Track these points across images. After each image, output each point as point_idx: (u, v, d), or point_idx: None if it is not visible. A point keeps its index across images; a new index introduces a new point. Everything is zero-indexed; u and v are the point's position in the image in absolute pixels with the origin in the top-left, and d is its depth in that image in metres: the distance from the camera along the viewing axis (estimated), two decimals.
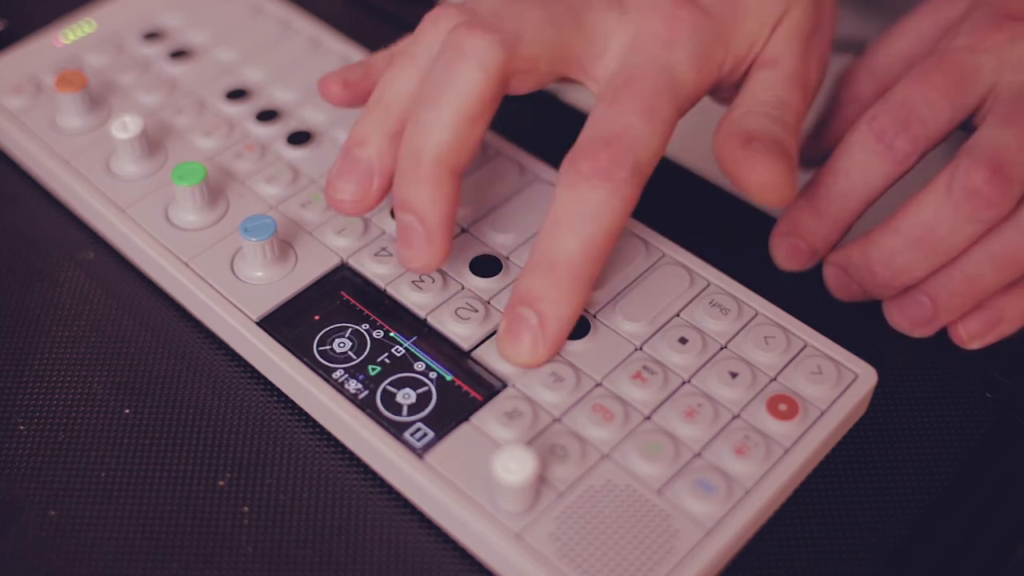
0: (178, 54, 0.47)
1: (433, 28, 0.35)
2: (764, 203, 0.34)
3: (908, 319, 0.38)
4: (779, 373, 0.35)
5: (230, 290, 0.37)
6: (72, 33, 0.48)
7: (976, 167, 0.34)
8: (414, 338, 0.36)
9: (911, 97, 0.36)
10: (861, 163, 0.36)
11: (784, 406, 0.34)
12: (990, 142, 0.34)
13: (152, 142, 0.42)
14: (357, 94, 0.39)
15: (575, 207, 0.33)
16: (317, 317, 0.37)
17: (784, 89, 0.36)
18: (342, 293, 0.37)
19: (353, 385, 0.35)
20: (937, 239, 0.35)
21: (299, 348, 0.36)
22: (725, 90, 0.38)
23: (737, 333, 0.36)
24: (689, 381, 0.35)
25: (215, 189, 0.40)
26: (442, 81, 0.34)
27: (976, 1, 0.38)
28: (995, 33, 0.36)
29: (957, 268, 0.36)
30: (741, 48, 0.37)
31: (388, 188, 0.36)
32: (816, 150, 0.42)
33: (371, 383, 0.35)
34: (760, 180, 0.34)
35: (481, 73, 0.33)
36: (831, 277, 0.39)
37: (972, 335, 0.37)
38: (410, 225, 0.34)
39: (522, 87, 0.35)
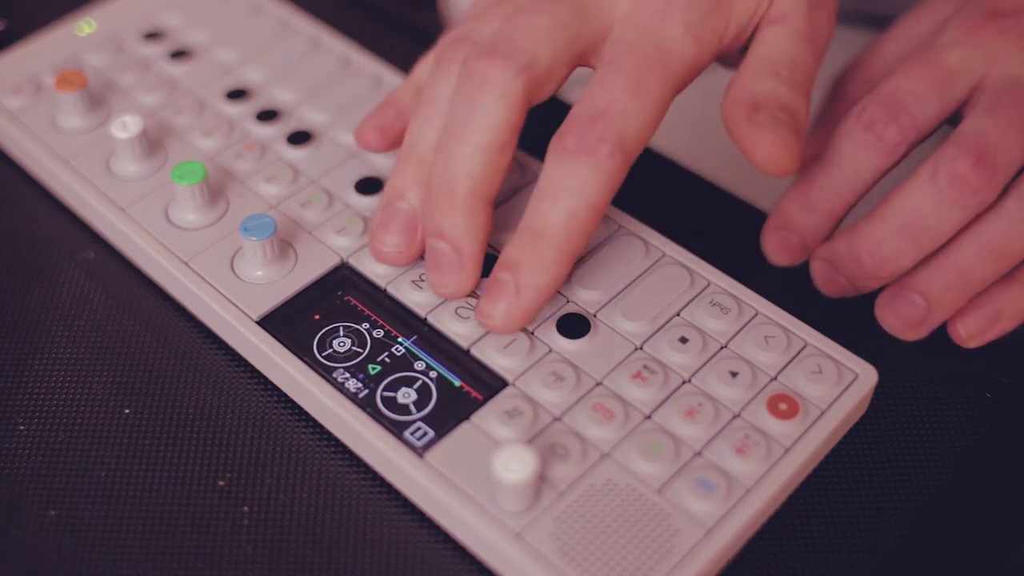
0: (178, 54, 0.47)
1: (448, 68, 0.36)
2: (769, 174, 0.34)
3: (902, 319, 0.38)
4: (779, 372, 0.35)
5: (230, 289, 0.37)
6: (72, 33, 0.48)
7: (960, 155, 0.34)
8: (414, 337, 0.36)
9: (898, 89, 0.36)
10: (851, 154, 0.37)
11: (784, 405, 0.34)
12: (974, 130, 0.35)
13: (152, 142, 0.42)
14: (394, 138, 0.39)
15: (560, 181, 0.33)
16: (317, 316, 0.37)
17: (794, 46, 0.36)
18: (342, 292, 0.37)
19: (353, 384, 0.35)
20: (923, 227, 0.35)
21: (299, 347, 0.36)
22: (732, 56, 0.38)
23: (737, 333, 0.36)
24: (689, 380, 0.35)
25: (215, 189, 0.41)
26: (467, 114, 0.34)
27: (965, 1, 0.38)
28: (982, 28, 0.37)
29: (949, 262, 0.36)
30: (744, 15, 0.36)
31: None
32: (812, 153, 0.42)
33: (371, 382, 0.35)
34: (764, 153, 0.34)
35: (504, 104, 0.34)
36: (818, 272, 0.39)
37: (971, 333, 0.38)
38: (442, 252, 0.35)
39: (545, 96, 0.35)
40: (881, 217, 0.36)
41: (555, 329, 0.36)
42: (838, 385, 0.35)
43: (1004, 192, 0.35)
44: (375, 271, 0.38)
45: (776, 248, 0.40)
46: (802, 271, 0.40)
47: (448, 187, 0.34)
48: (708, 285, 0.37)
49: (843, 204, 0.38)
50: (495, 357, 0.35)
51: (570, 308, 0.37)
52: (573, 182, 0.33)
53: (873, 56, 0.42)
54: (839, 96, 0.43)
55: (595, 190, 0.33)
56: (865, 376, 0.35)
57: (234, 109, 0.44)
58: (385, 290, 0.37)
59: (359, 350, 0.36)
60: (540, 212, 0.34)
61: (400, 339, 0.36)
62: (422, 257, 0.38)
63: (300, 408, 0.36)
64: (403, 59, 0.48)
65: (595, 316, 0.36)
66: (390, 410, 0.34)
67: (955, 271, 0.36)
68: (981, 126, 0.35)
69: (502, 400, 0.34)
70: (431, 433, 0.34)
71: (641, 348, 0.36)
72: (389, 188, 0.37)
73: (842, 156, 0.37)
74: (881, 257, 0.36)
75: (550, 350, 0.35)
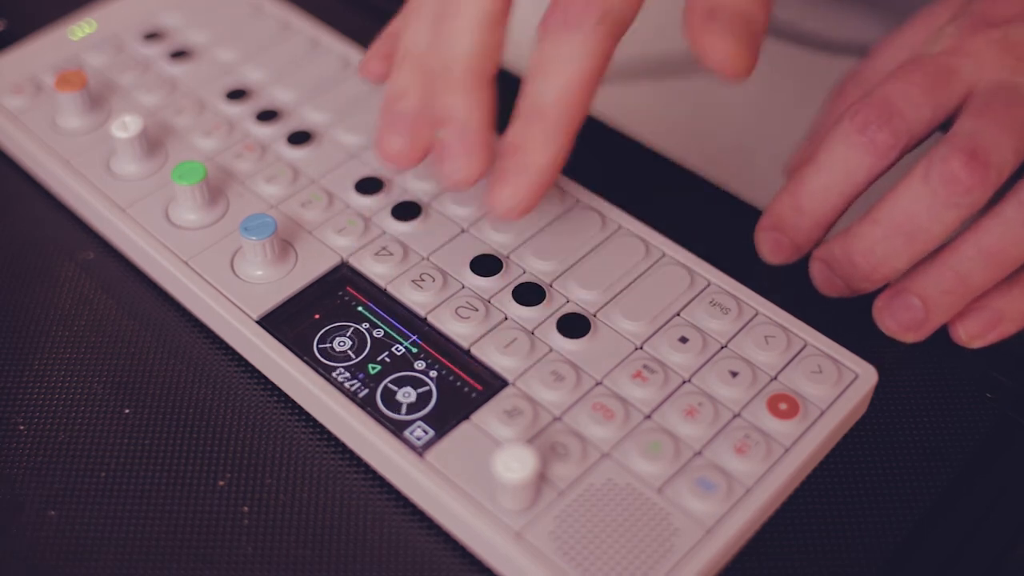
0: (178, 54, 0.47)
1: None
2: (725, 77, 0.33)
3: (900, 323, 0.38)
4: (779, 372, 0.35)
5: (230, 289, 0.37)
6: (72, 33, 0.48)
7: (952, 153, 0.34)
8: (414, 337, 0.36)
9: (892, 93, 0.36)
10: (842, 157, 0.37)
11: (784, 405, 0.34)
12: (966, 131, 0.35)
13: (152, 142, 0.42)
14: None
15: (549, 56, 0.33)
16: (317, 316, 0.37)
17: None
18: (342, 292, 0.37)
19: (353, 384, 0.35)
20: (916, 227, 0.35)
21: (299, 347, 0.36)
22: None
23: (737, 332, 0.36)
24: (689, 380, 0.35)
25: (215, 188, 0.41)
26: None
27: (959, 11, 0.39)
28: (973, 38, 0.37)
29: (947, 266, 0.36)
30: None
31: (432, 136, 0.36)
32: (806, 156, 0.42)
33: (371, 382, 0.35)
34: (720, 56, 0.32)
35: None
36: (816, 272, 0.39)
37: (972, 336, 0.38)
38: (447, 138, 0.34)
39: None
40: (874, 219, 0.36)
41: (555, 329, 0.36)
42: (838, 385, 0.35)
43: (1003, 197, 0.35)
44: (375, 271, 0.38)
45: (769, 248, 0.40)
46: (802, 271, 0.40)
47: (445, 69, 0.34)
48: (708, 285, 0.37)
49: (833, 207, 0.38)
50: (495, 356, 0.35)
51: (570, 308, 0.37)
52: (562, 55, 0.32)
53: (870, 64, 0.42)
54: (836, 105, 0.43)
55: (584, 61, 0.32)
56: (865, 376, 0.35)
57: (234, 109, 0.44)
58: (385, 290, 0.37)
59: (359, 350, 0.36)
60: (534, 90, 0.33)
61: (400, 338, 0.36)
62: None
63: (300, 408, 0.36)
64: None
65: (595, 316, 0.36)
66: (390, 409, 0.34)
67: (954, 275, 0.36)
68: (972, 127, 0.35)
69: (502, 400, 0.34)
70: (431, 432, 0.34)
71: (641, 348, 0.36)
72: (389, 90, 0.36)
73: (834, 158, 0.37)
74: (875, 259, 0.36)
75: (550, 350, 0.35)
